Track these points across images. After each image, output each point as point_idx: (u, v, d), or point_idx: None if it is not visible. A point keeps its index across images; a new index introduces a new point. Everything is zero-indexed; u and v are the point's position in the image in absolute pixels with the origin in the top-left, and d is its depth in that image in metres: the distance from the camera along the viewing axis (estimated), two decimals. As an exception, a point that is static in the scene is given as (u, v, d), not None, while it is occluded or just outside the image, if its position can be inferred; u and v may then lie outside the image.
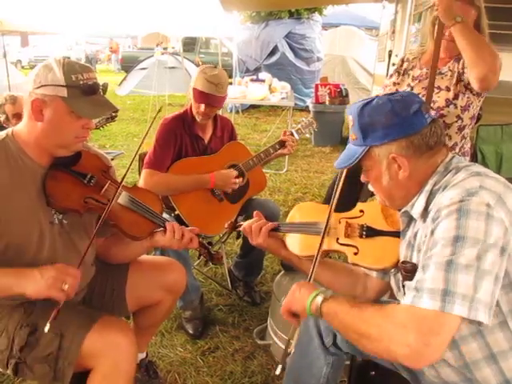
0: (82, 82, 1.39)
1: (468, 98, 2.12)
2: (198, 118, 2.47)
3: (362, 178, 1.36)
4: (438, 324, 0.99)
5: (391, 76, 2.42)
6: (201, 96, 2.40)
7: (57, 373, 1.40)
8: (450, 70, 2.14)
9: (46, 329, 1.30)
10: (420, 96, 1.75)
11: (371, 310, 1.13)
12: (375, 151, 1.25)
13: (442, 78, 2.15)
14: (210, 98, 2.40)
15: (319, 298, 1.23)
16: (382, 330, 1.06)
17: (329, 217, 1.46)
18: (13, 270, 1.36)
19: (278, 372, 1.29)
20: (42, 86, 1.36)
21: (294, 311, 1.33)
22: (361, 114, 1.26)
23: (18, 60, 20.41)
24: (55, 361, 1.40)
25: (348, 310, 1.16)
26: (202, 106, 2.41)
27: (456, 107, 2.11)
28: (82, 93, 1.39)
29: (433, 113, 2.08)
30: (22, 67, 19.62)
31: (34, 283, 1.33)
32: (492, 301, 1.01)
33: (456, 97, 2.11)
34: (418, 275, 1.09)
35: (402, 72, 2.35)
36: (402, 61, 2.38)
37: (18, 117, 3.06)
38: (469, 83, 2.05)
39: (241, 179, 2.55)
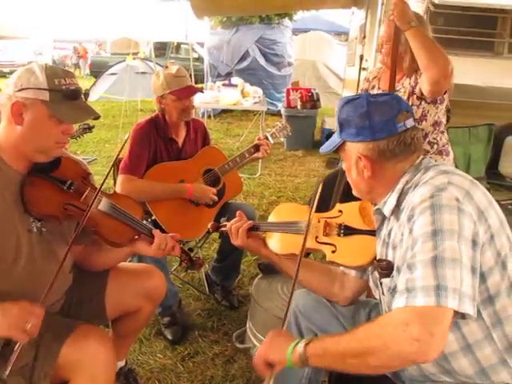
0: (64, 87, 1.37)
1: (423, 108, 2.22)
2: (185, 117, 2.52)
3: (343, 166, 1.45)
4: (438, 315, 1.01)
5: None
6: (183, 92, 2.44)
7: None
8: (403, 87, 2.25)
9: (5, 375, 1.23)
10: None
11: (363, 327, 1.13)
12: (347, 146, 1.34)
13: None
14: (191, 89, 2.51)
15: (301, 345, 1.18)
16: (384, 337, 1.04)
17: (310, 218, 1.49)
18: None
19: None
20: (23, 89, 1.34)
21: (271, 361, 1.24)
22: (341, 109, 1.34)
23: (-18, 65, 19.79)
24: (31, 372, 1.36)
25: (337, 340, 1.14)
26: (188, 101, 2.48)
27: None
28: (64, 97, 1.37)
29: None
30: (-12, 73, 19.04)
31: None
32: (474, 293, 1.05)
33: None
34: (406, 276, 1.09)
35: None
36: (365, 81, 2.51)
37: None
38: (422, 94, 2.14)
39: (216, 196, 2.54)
